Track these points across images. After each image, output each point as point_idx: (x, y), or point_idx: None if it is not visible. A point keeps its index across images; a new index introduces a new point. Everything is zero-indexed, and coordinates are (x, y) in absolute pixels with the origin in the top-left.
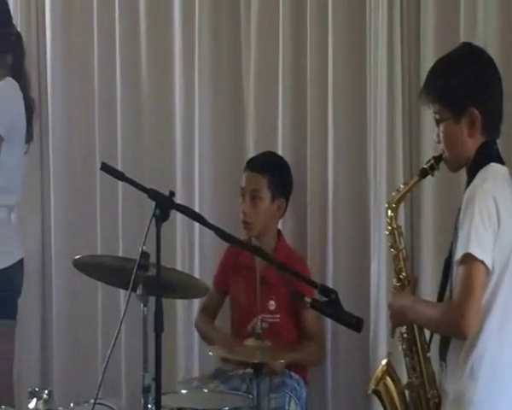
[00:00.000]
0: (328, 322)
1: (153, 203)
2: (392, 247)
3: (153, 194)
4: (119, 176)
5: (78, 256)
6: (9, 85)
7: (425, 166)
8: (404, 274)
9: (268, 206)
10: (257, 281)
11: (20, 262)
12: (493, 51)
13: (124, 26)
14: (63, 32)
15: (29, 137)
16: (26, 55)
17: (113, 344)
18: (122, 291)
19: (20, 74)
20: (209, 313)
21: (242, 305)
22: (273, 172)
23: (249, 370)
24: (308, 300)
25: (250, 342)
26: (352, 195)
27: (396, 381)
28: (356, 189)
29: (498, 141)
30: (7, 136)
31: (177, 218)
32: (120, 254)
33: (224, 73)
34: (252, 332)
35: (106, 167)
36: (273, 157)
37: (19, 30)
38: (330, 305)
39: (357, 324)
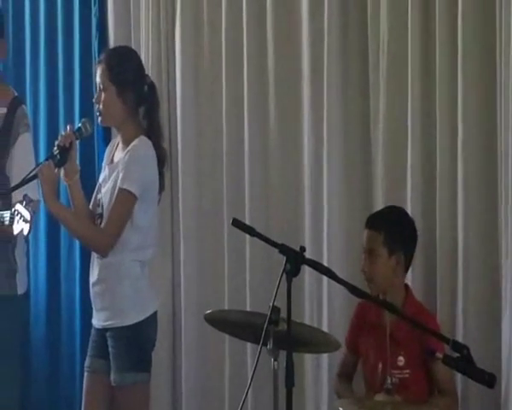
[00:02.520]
0: (458, 377)
1: (281, 258)
2: None
3: (284, 249)
4: (250, 231)
5: (208, 311)
6: (143, 146)
7: None
8: None
9: (385, 262)
10: (386, 337)
11: (154, 315)
12: None
13: (252, 81)
14: (193, 84)
15: (161, 187)
16: (159, 104)
17: (244, 399)
18: (249, 345)
19: (152, 125)
20: (346, 375)
21: (372, 362)
22: (389, 228)
23: None
24: (440, 355)
25: (380, 397)
26: (483, 247)
27: None
28: (486, 242)
29: None
30: (141, 196)
31: (306, 272)
32: (247, 308)
33: (353, 124)
34: (382, 388)
35: (237, 223)
36: (391, 212)
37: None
38: (462, 361)
39: (489, 380)
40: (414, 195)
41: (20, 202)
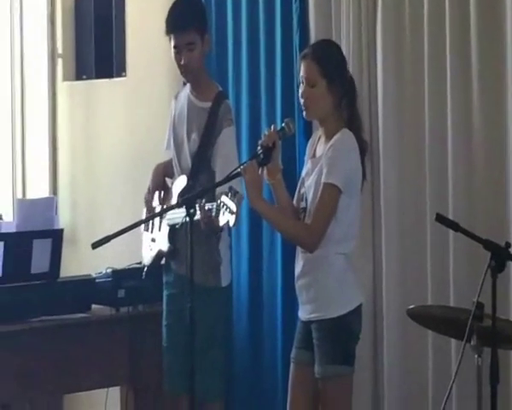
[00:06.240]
0: None
1: (485, 253)
2: None
3: (488, 245)
4: (454, 227)
5: (411, 306)
6: (347, 139)
7: None
8: None
9: None
10: None
11: (359, 309)
12: None
13: (455, 73)
14: (394, 76)
15: (363, 176)
16: (357, 98)
17: (448, 395)
18: (453, 341)
19: (353, 117)
20: None
21: None
22: None
23: None
24: None
25: None
26: None
27: None
28: None
29: None
30: (345, 189)
31: (511, 267)
32: (451, 303)
33: None
34: None
35: (441, 218)
36: None
37: (351, 74)
38: None
39: None
40: None
41: (226, 194)
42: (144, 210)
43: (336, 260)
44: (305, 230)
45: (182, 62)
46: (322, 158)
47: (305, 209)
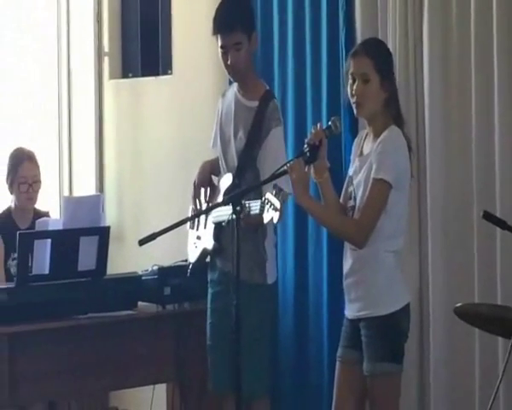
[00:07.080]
0: None
1: None
2: None
3: None
4: (501, 224)
5: (458, 304)
6: (395, 135)
7: None
8: None
9: None
10: None
11: (407, 307)
12: None
13: (502, 70)
14: (441, 74)
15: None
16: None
17: (495, 394)
18: (500, 339)
19: (398, 114)
20: None
21: None
22: None
23: None
24: None
25: None
26: None
27: None
28: None
29: None
30: (395, 185)
31: None
32: (498, 302)
33: None
34: None
35: (488, 216)
36: None
37: (398, 72)
38: None
39: None
40: None
41: (270, 191)
42: (190, 207)
43: (386, 257)
44: (354, 225)
45: (229, 62)
46: (371, 155)
47: (353, 207)
